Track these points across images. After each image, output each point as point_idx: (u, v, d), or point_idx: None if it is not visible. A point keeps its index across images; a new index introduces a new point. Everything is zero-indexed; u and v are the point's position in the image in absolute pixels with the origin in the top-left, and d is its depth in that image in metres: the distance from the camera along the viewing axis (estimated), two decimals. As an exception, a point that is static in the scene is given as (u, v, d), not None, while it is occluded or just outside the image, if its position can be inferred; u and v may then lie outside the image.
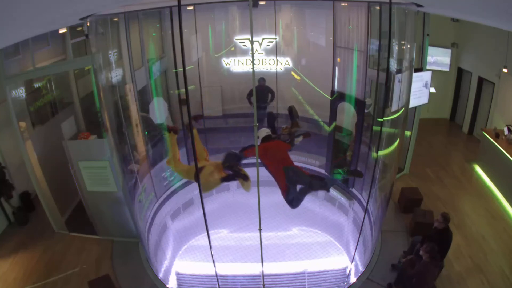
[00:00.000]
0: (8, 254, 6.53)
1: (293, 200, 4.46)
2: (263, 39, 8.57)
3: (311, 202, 7.93)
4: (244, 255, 6.67)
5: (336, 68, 7.57)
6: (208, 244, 4.66)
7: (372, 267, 5.98)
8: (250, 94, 8.44)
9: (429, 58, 10.21)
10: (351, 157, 7.18)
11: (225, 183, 8.44)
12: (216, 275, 5.37)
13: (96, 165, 6.20)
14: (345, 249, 6.75)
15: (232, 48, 8.84)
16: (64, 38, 7.97)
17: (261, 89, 8.44)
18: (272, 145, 4.64)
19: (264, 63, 8.79)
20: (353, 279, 5.89)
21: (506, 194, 7.52)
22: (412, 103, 7.41)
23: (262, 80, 8.41)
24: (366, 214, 5.73)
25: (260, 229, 4.16)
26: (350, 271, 6.07)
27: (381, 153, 5.79)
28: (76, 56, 8.25)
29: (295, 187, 4.45)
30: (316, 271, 6.41)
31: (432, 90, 9.35)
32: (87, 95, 8.54)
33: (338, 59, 7.67)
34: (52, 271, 6.11)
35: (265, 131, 4.80)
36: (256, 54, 8.69)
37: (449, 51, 10.75)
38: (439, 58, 10.89)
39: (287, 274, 6.36)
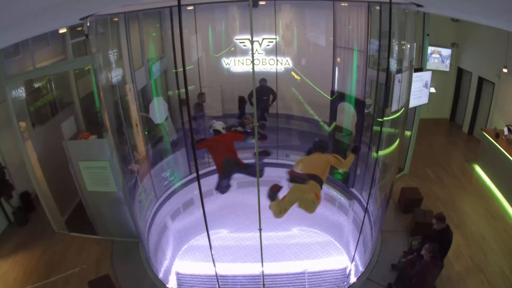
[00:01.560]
0: (8, 254, 6.52)
1: (222, 189, 5.17)
2: (263, 39, 8.57)
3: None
4: (244, 255, 6.66)
5: (336, 68, 7.56)
6: (208, 244, 4.67)
7: (372, 267, 5.98)
8: (251, 95, 8.45)
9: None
10: (351, 157, 7.17)
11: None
12: (216, 275, 5.37)
13: (96, 165, 6.20)
14: (345, 249, 6.75)
15: (232, 48, 8.83)
16: (64, 38, 7.97)
17: (262, 90, 8.44)
18: (218, 138, 5.27)
19: (264, 63, 8.78)
20: (353, 279, 5.89)
21: (506, 194, 7.52)
22: (412, 103, 7.41)
23: (263, 80, 8.40)
24: (366, 214, 5.73)
25: (260, 229, 4.17)
26: (350, 271, 6.07)
27: (381, 153, 5.79)
28: (76, 56, 8.25)
29: (228, 178, 5.10)
30: (316, 271, 6.41)
31: (432, 90, 9.35)
32: (87, 95, 8.54)
33: (338, 59, 7.67)
34: (52, 271, 6.11)
35: (213, 125, 5.39)
36: (256, 54, 8.68)
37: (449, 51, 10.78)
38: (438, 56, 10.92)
39: (287, 274, 6.35)
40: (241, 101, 8.71)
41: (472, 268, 5.89)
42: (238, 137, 5.42)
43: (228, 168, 5.00)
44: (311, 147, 4.77)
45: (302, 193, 4.36)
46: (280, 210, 4.46)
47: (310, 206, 4.34)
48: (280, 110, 8.80)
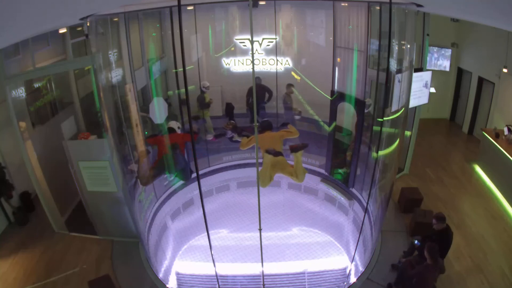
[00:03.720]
0: (8, 254, 6.53)
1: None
2: (263, 39, 8.57)
3: (311, 202, 7.94)
4: (244, 255, 6.67)
5: (336, 68, 7.56)
6: (208, 244, 4.67)
7: (372, 267, 5.98)
8: (248, 95, 8.47)
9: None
10: (351, 157, 7.18)
11: (225, 183, 8.50)
12: (216, 275, 5.37)
13: (96, 165, 6.20)
14: (345, 249, 6.75)
15: (232, 48, 8.83)
16: (64, 38, 7.98)
17: (257, 88, 8.44)
18: (169, 136, 5.71)
19: (264, 63, 8.79)
20: (353, 279, 5.89)
21: (506, 194, 7.52)
22: (412, 103, 7.41)
23: (257, 79, 8.41)
24: (366, 214, 5.73)
25: (260, 229, 4.16)
26: (350, 271, 6.07)
27: (381, 153, 5.79)
28: (76, 56, 8.25)
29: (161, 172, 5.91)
30: (316, 271, 6.41)
31: (432, 90, 9.35)
32: (87, 95, 8.55)
33: (338, 59, 7.67)
34: (52, 271, 6.11)
35: (169, 123, 5.84)
36: (256, 54, 8.68)
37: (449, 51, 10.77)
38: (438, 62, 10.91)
39: (287, 274, 6.35)
40: (229, 107, 8.84)
41: (472, 268, 5.89)
42: (188, 138, 5.84)
43: (164, 162, 5.68)
44: (261, 128, 5.56)
45: (277, 165, 5.33)
46: (270, 177, 5.36)
47: (300, 172, 5.43)
48: (280, 110, 8.80)
